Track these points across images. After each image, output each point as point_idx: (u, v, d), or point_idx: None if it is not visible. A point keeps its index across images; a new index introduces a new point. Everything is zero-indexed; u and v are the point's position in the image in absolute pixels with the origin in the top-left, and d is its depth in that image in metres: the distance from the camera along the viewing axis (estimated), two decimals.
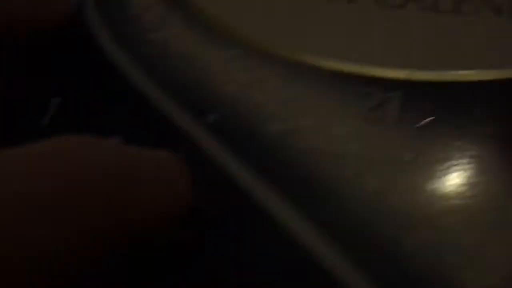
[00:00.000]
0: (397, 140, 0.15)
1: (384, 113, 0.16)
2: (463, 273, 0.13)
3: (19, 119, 0.17)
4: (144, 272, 0.14)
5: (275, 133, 0.16)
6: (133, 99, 0.17)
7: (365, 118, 0.16)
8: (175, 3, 0.18)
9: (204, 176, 0.15)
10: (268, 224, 0.14)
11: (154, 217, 0.13)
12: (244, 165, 0.15)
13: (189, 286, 0.14)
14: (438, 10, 0.17)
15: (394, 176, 0.15)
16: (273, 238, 0.14)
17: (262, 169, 0.15)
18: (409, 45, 0.17)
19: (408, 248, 0.13)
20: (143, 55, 0.17)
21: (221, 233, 0.15)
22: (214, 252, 0.14)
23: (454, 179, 0.14)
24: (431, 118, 0.15)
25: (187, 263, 0.14)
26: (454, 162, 0.15)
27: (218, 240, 0.15)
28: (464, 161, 0.15)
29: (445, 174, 0.14)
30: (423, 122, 0.15)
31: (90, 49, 0.18)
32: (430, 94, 0.16)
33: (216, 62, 0.17)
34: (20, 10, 0.16)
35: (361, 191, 0.15)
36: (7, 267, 0.11)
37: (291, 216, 0.14)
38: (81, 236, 0.12)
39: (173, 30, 0.18)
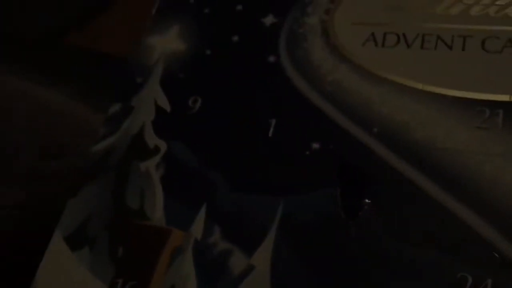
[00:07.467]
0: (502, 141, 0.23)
1: (492, 124, 0.24)
2: None
3: None
4: None
5: (419, 138, 0.24)
6: (321, 118, 0.26)
7: (478, 127, 0.24)
8: (340, 58, 0.27)
9: (371, 168, 0.24)
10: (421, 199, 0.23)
11: None
12: (399, 160, 0.24)
13: None
14: None
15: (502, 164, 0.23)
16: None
17: (411, 162, 0.24)
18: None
19: None
20: (326, 91, 0.26)
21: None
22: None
23: None
24: None
25: None
26: None
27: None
28: None
29: None
30: None
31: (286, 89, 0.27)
32: None
33: (374, 95, 0.26)
34: None
35: (479, 175, 0.23)
36: None
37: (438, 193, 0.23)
38: None
39: (343, 74, 0.26)
